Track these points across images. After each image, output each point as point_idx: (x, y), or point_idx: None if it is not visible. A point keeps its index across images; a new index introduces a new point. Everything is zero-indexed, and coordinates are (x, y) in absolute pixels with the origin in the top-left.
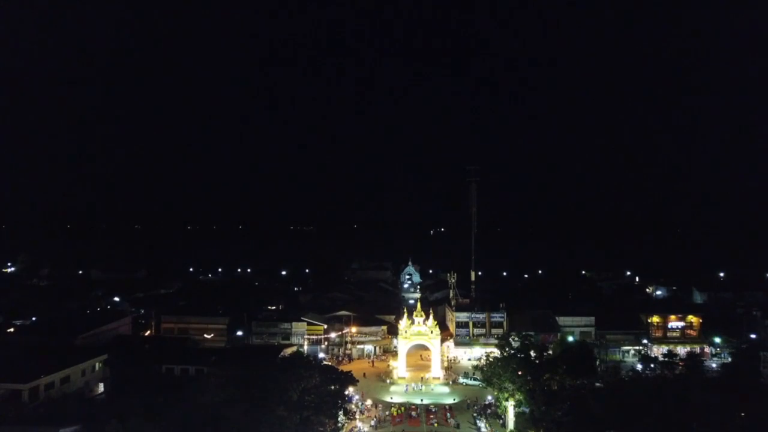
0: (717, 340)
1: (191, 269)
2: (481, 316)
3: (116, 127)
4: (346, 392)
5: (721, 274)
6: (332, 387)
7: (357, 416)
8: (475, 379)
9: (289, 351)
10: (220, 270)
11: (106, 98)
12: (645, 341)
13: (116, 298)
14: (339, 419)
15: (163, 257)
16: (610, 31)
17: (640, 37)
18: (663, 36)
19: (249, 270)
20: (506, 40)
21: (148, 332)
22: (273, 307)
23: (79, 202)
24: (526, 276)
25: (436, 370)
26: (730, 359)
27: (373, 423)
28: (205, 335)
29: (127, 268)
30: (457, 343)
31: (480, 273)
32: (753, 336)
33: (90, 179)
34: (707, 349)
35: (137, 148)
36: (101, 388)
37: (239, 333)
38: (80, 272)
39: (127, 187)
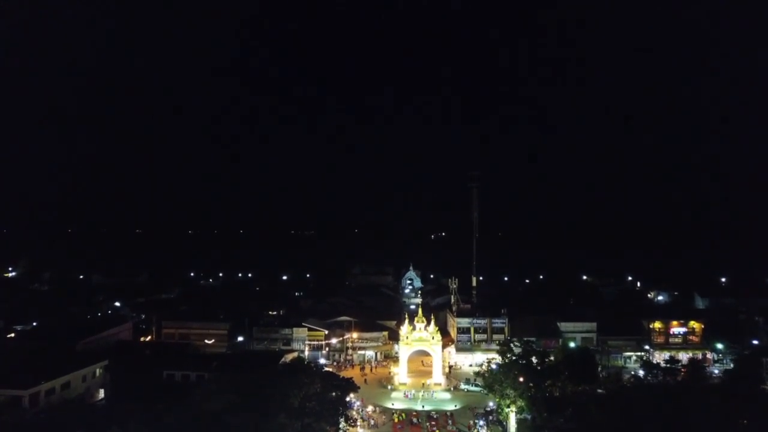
0: (719, 346)
1: (192, 274)
2: (482, 322)
3: (118, 131)
4: (347, 399)
5: (723, 280)
6: (333, 393)
7: (358, 423)
8: (476, 386)
9: (290, 357)
10: (221, 275)
11: (107, 101)
12: (647, 347)
13: (117, 303)
14: (340, 426)
15: (164, 262)
16: (610, 31)
17: (639, 37)
18: (661, 35)
19: (250, 275)
20: (507, 44)
21: (149, 338)
22: (274, 313)
23: (81, 206)
24: (527, 281)
25: (438, 376)
26: (732, 365)
27: (372, 422)
28: (206, 341)
29: (129, 272)
30: (459, 349)
31: (481, 278)
32: (755, 342)
33: (91, 183)
34: (709, 356)
35: (139, 152)
36: (102, 393)
37: (240, 339)
38: (81, 277)
39: (129, 192)
